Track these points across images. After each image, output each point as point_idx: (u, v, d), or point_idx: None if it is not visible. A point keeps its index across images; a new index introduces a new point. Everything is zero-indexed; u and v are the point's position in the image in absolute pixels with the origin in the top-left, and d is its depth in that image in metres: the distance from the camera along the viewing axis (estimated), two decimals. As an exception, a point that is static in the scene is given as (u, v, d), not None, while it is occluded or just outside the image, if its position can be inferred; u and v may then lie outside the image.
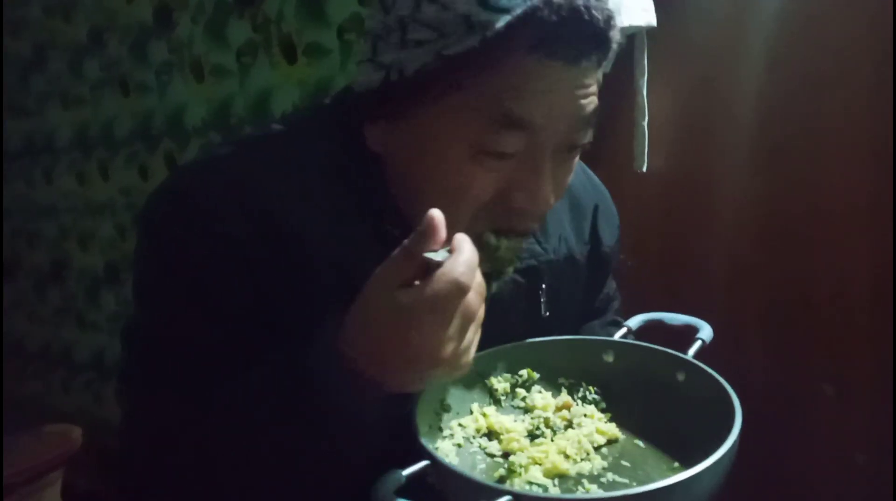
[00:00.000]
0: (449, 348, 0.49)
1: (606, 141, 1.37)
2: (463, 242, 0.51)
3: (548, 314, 0.75)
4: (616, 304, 0.90)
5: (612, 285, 0.89)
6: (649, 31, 1.23)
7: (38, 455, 1.85)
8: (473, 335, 0.52)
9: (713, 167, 1.31)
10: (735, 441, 0.52)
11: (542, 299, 0.74)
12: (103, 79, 2.02)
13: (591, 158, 1.37)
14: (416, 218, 0.60)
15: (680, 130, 1.33)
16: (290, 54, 1.50)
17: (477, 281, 0.51)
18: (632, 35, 1.25)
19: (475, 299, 0.51)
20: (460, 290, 0.48)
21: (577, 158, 0.70)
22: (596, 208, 0.82)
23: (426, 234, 0.49)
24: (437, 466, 0.52)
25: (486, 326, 0.69)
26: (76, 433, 1.95)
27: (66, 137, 2.22)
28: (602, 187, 0.87)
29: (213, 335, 0.61)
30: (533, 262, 0.73)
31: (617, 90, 1.32)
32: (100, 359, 2.34)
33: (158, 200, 0.65)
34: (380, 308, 0.50)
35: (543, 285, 0.75)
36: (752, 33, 1.23)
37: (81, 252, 2.31)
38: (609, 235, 0.84)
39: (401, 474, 0.49)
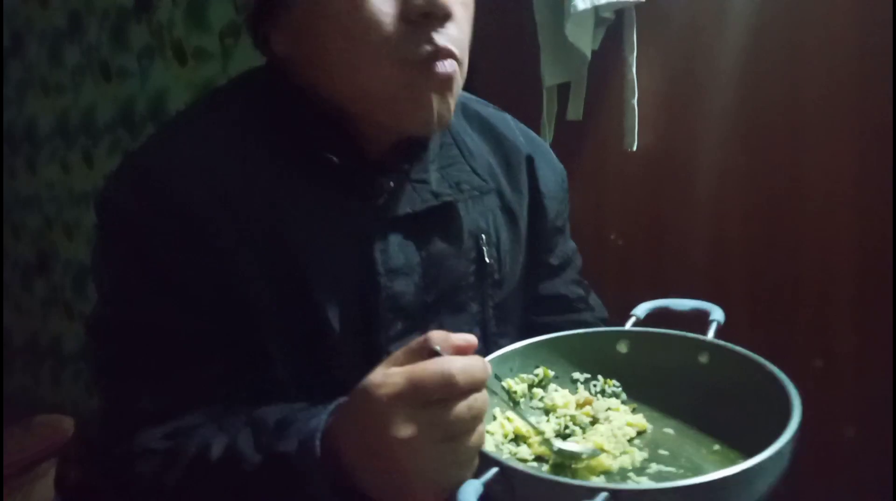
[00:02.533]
0: (406, 430, 0.46)
1: (596, 120, 1.36)
2: (479, 359, 0.49)
3: (491, 261, 0.74)
4: (577, 264, 0.88)
5: (570, 245, 0.87)
6: (638, 6, 1.22)
7: (30, 447, 1.84)
8: (451, 454, 0.48)
9: (698, 146, 1.30)
10: (801, 415, 0.52)
11: (482, 244, 0.73)
12: (84, 65, 1.98)
13: (581, 137, 1.37)
14: (348, 104, 0.63)
15: (666, 109, 1.32)
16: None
17: (475, 404, 0.48)
18: (620, 11, 1.23)
19: (465, 413, 0.47)
20: (447, 382, 0.46)
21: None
22: (530, 159, 0.80)
23: (446, 334, 0.49)
24: (513, 473, 0.49)
25: (436, 273, 0.69)
26: (67, 423, 1.94)
27: (48, 126, 2.18)
28: (538, 140, 0.85)
29: (185, 319, 0.62)
30: (464, 195, 0.72)
31: (604, 68, 1.31)
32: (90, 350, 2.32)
33: (112, 188, 0.65)
34: (367, 378, 0.49)
35: (482, 236, 0.73)
36: (737, 11, 1.22)
37: (67, 242, 2.28)
38: (551, 184, 0.81)
39: (479, 483, 0.48)
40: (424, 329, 0.67)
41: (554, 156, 0.85)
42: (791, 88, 1.21)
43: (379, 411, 0.47)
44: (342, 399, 0.53)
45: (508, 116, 0.84)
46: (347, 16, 0.59)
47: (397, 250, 0.67)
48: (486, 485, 0.47)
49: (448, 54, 0.60)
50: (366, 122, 0.66)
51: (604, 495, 0.43)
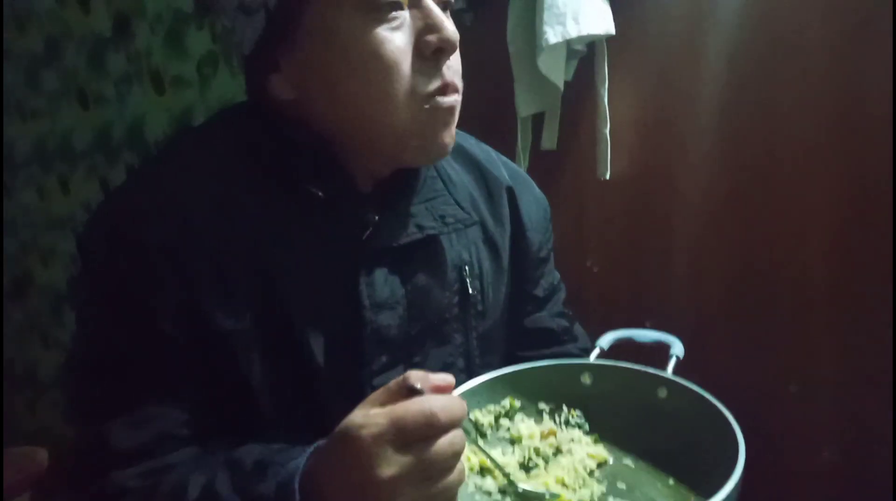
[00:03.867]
0: (389, 470, 0.46)
1: (570, 150, 1.38)
2: (457, 398, 0.50)
3: (474, 292, 0.75)
4: (562, 295, 0.89)
5: (555, 275, 0.89)
6: (609, 39, 1.24)
7: (3, 479, 1.80)
8: (434, 492, 0.48)
9: (673, 174, 1.32)
10: (744, 460, 0.53)
11: (465, 276, 0.74)
12: (61, 91, 1.97)
13: (555, 166, 1.39)
14: (356, 139, 0.64)
15: (639, 138, 1.34)
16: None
17: (455, 440, 0.49)
18: (591, 43, 1.26)
19: (446, 450, 0.48)
20: (429, 421, 0.47)
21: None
22: (511, 191, 0.81)
23: (425, 373, 0.50)
24: None
25: (420, 305, 0.70)
26: (41, 455, 1.90)
27: (25, 151, 2.16)
28: (520, 172, 0.86)
29: (162, 357, 0.62)
30: (448, 228, 0.74)
31: (578, 98, 1.33)
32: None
33: (90, 229, 0.66)
34: (348, 419, 0.50)
35: (465, 267, 0.74)
36: (708, 41, 1.24)
37: (43, 268, 2.25)
38: (533, 216, 0.82)
39: None
40: (409, 362, 0.69)
41: (536, 187, 0.86)
42: (764, 117, 1.23)
43: (363, 452, 0.47)
44: (321, 442, 0.53)
45: (490, 149, 0.85)
46: (368, 58, 0.61)
47: (382, 284, 0.68)
48: None
49: (455, 89, 0.65)
50: (363, 156, 0.67)
51: None
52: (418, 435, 0.47)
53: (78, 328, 0.67)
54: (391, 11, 0.61)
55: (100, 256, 0.64)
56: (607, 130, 1.27)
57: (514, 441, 0.67)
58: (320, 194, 0.65)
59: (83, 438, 0.64)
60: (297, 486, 0.51)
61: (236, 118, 0.71)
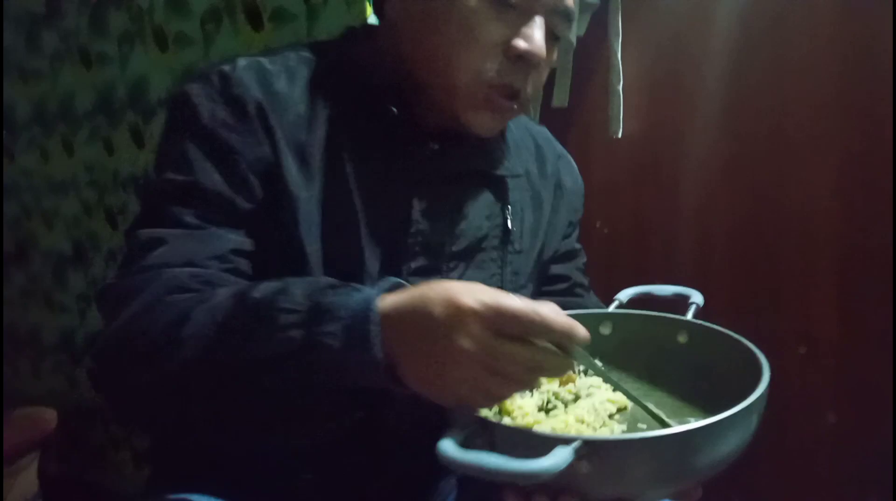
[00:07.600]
0: (466, 343, 0.46)
1: (579, 108, 1.36)
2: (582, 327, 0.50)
3: (514, 229, 0.80)
4: (582, 258, 0.98)
5: (578, 246, 0.98)
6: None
7: (11, 439, 1.81)
8: (489, 386, 0.48)
9: (684, 133, 1.31)
10: (768, 381, 0.53)
11: (508, 215, 0.79)
12: (62, 51, 1.94)
13: (565, 123, 1.37)
14: (433, 80, 0.71)
15: (651, 96, 1.32)
16: (255, 21, 1.46)
17: (537, 361, 0.48)
18: (606, -4, 1.23)
19: (526, 361, 0.48)
20: (531, 320, 0.47)
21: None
22: (559, 159, 0.92)
23: (555, 314, 0.49)
24: (491, 427, 0.51)
25: (464, 228, 0.77)
26: (50, 415, 1.91)
27: (26, 113, 2.14)
28: (567, 155, 0.96)
29: (235, 192, 0.67)
30: (499, 172, 0.80)
31: (590, 55, 1.31)
32: (70, 341, 2.29)
33: (187, 81, 0.72)
34: (453, 283, 0.50)
35: (509, 206, 0.81)
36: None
37: (46, 231, 2.24)
38: (570, 186, 0.93)
39: (461, 436, 0.47)
40: (446, 272, 0.75)
41: (577, 169, 0.96)
42: (777, 75, 1.22)
43: (452, 313, 0.47)
44: (405, 284, 0.54)
45: (545, 128, 0.97)
46: (457, 25, 0.67)
47: (433, 199, 0.74)
48: (467, 438, 0.48)
49: (521, 96, 0.72)
50: (430, 103, 0.74)
51: (577, 444, 0.44)
52: (514, 330, 0.46)
53: (159, 162, 0.71)
54: (505, 9, 0.66)
55: (197, 106, 0.69)
56: (620, 87, 1.25)
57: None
58: (395, 110, 0.71)
59: (143, 236, 0.65)
60: (376, 303, 0.51)
61: (340, 38, 0.80)
